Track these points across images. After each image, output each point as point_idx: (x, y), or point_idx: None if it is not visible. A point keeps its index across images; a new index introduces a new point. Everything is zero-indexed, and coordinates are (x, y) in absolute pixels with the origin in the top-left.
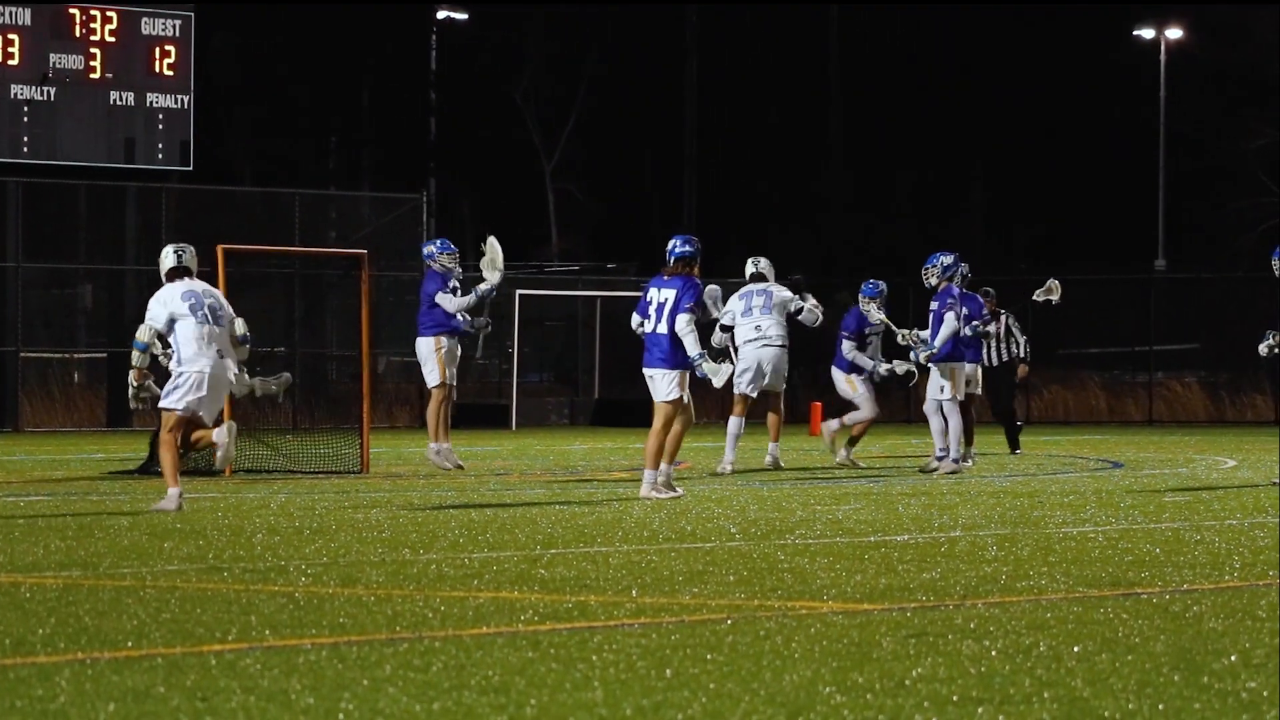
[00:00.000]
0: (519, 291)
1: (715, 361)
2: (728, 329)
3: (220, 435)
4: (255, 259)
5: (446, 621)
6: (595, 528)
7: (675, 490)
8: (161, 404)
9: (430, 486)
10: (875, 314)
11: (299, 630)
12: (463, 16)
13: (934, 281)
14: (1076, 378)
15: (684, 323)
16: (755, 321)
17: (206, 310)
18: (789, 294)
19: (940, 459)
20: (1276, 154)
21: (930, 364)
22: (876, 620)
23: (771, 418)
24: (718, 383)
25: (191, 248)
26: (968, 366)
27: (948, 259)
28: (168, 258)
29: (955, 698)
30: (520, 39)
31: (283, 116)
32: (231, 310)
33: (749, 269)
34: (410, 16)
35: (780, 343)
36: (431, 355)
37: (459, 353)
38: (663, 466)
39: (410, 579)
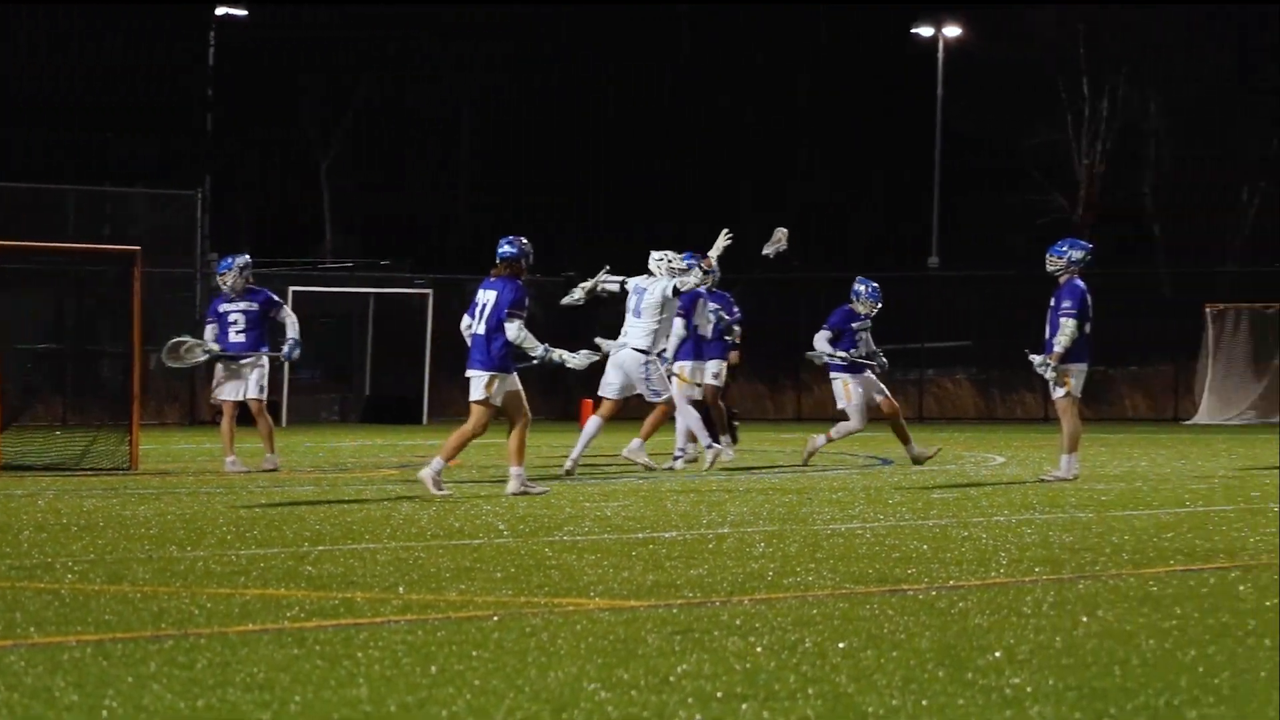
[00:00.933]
0: (292, 288)
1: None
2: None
3: None
4: (27, 255)
5: (212, 618)
6: (363, 525)
7: (445, 489)
8: None
9: (199, 484)
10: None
11: (64, 627)
12: (242, 14)
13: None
14: None
15: (516, 330)
16: (627, 324)
17: None
18: (666, 289)
19: (677, 457)
20: (1052, 152)
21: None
22: (643, 617)
23: (649, 420)
24: (576, 365)
25: None
26: (712, 363)
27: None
28: None
29: (720, 694)
30: (299, 37)
31: (58, 112)
32: None
33: None
34: (189, 13)
35: (639, 346)
36: (219, 373)
37: (237, 365)
38: (514, 469)
39: (177, 576)
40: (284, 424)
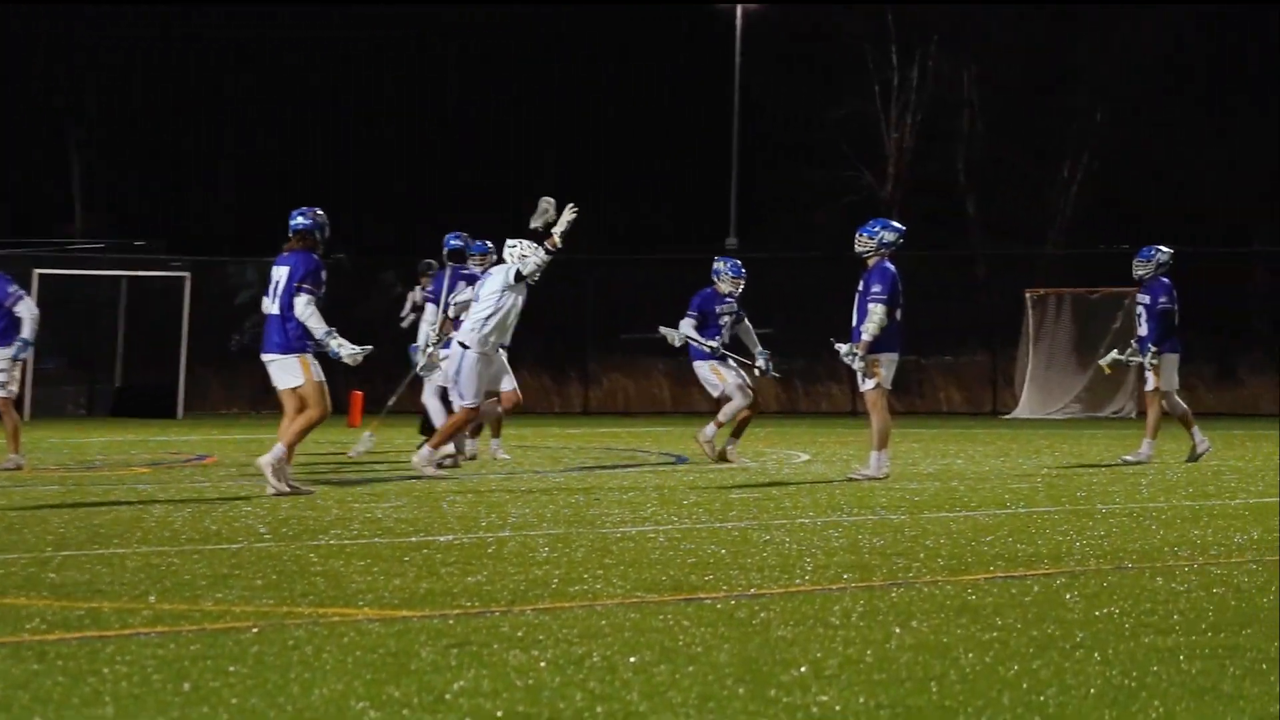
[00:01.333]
0: (38, 271)
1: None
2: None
3: None
4: None
5: None
6: (112, 527)
7: (305, 488)
8: None
9: None
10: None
11: None
12: None
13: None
14: (639, 365)
15: (303, 306)
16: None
17: None
18: (509, 274)
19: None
20: (859, 125)
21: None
22: (416, 628)
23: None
24: (348, 359)
25: None
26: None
27: (457, 242)
28: None
29: (500, 713)
30: (47, 5)
31: None
32: None
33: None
34: None
35: (461, 338)
36: None
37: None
38: (276, 454)
39: None
40: (26, 418)
